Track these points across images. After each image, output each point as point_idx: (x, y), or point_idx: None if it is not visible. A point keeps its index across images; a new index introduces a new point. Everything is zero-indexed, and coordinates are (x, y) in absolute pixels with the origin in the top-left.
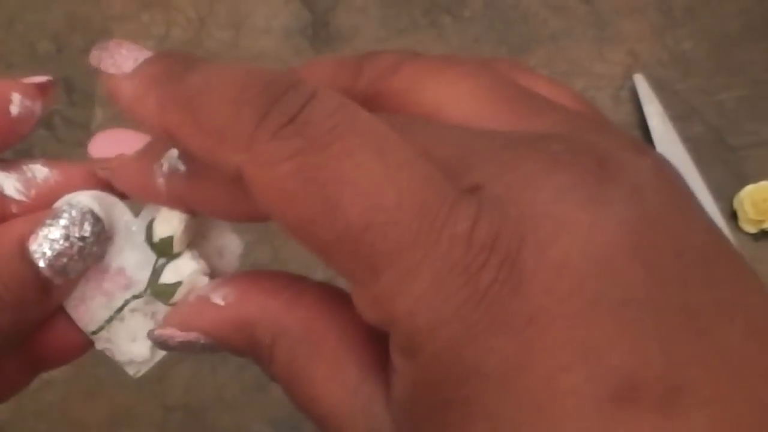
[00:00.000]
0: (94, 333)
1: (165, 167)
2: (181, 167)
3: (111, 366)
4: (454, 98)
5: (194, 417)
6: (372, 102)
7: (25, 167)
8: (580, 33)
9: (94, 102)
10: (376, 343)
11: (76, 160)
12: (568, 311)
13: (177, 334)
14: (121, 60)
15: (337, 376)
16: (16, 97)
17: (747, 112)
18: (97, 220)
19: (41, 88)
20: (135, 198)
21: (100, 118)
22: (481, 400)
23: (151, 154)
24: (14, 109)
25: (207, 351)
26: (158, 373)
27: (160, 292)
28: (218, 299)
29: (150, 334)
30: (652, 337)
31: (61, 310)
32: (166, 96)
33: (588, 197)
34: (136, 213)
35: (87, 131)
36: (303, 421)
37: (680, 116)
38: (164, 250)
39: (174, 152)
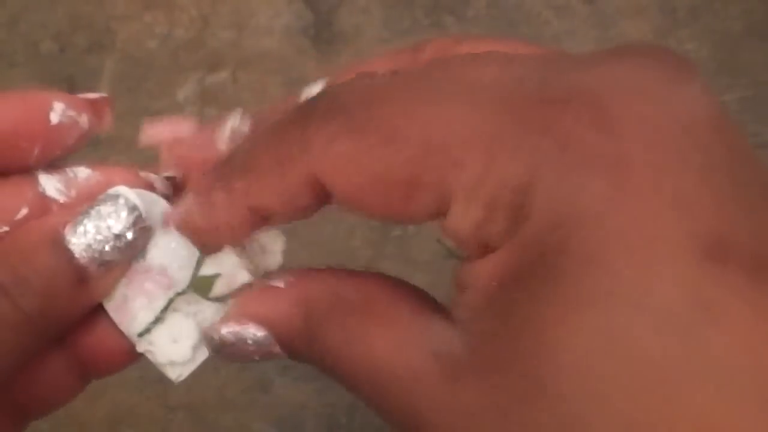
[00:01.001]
0: (141, 335)
1: (228, 132)
2: (245, 128)
3: None
4: None
5: (196, 417)
6: None
7: (68, 169)
8: (583, 34)
9: None
10: (427, 294)
11: (78, 158)
12: (656, 161)
13: (237, 327)
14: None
15: (395, 321)
16: (58, 106)
17: (750, 113)
18: (133, 209)
19: (92, 103)
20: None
21: None
22: (575, 243)
23: (210, 126)
24: (55, 117)
25: (260, 351)
26: (160, 373)
27: (198, 284)
28: (279, 283)
29: (207, 332)
30: (735, 205)
31: (108, 315)
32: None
33: (671, 77)
34: None
35: None
36: (305, 420)
37: None
38: None
39: (237, 112)
